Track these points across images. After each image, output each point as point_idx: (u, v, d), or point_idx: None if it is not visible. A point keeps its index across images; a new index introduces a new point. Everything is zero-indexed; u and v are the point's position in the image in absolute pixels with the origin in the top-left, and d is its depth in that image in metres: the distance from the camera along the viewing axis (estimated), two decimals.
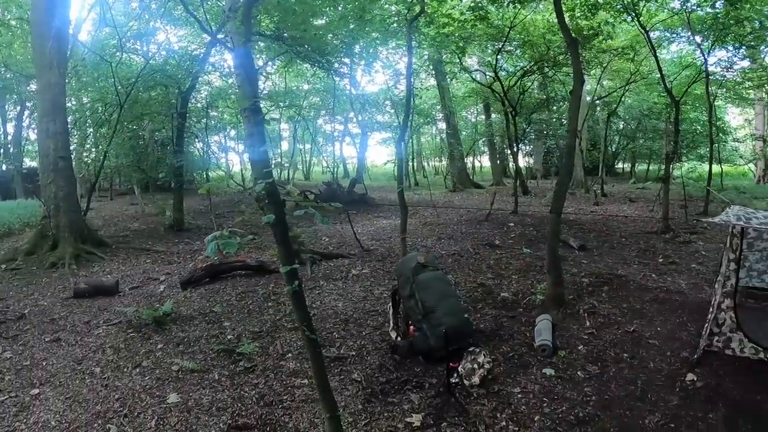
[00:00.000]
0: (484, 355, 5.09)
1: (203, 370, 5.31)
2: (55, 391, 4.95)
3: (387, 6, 13.84)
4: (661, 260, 9.54)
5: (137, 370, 5.37)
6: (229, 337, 6.18)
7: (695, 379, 4.94)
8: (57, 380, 5.17)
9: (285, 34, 13.40)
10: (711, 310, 5.50)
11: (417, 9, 10.53)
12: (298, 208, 3.31)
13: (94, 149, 18.86)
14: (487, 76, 19.32)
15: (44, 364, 5.57)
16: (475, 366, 4.94)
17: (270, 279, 8.35)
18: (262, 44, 15.56)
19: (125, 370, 5.37)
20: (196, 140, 22.59)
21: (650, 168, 32.11)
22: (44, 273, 9.43)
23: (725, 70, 18.57)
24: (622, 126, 29.48)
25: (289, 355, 5.58)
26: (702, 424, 4.29)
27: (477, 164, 40.17)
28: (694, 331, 6.04)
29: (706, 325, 5.44)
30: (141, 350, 5.85)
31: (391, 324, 6.00)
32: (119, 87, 12.98)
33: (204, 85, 19.58)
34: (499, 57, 16.59)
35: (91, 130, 19.00)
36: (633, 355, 5.51)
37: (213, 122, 23.42)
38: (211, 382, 5.06)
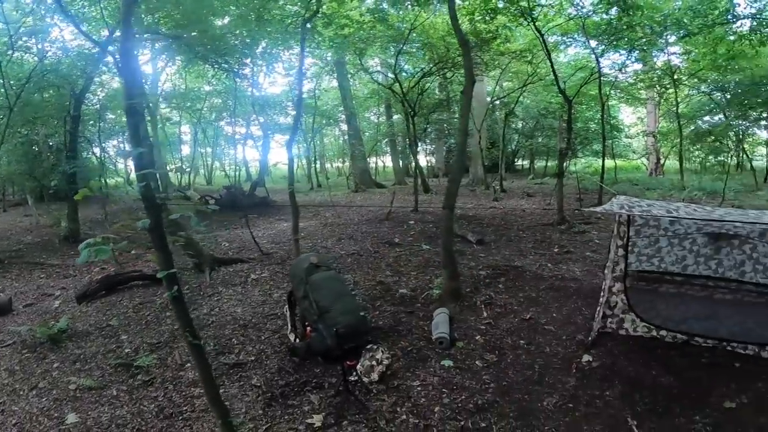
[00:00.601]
0: (382, 351, 5.19)
1: (101, 386, 5.15)
2: None
3: (288, 6, 13.73)
4: (556, 250, 9.98)
5: (34, 392, 5.15)
6: (126, 350, 5.99)
7: (591, 360, 5.22)
8: None
9: (185, 35, 13.05)
10: (602, 294, 5.85)
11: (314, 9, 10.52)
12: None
13: None
14: (388, 77, 19.58)
15: None
16: (374, 363, 5.02)
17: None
18: (159, 44, 15.09)
19: (21, 392, 5.15)
20: (92, 145, 21.55)
21: (548, 164, 33.50)
22: None
23: (618, 72, 19.77)
24: (520, 125, 30.59)
25: (188, 364, 5.47)
26: (600, 402, 4.53)
27: (380, 164, 40.51)
28: (589, 315, 6.37)
29: (598, 309, 5.78)
30: (37, 371, 5.60)
31: (289, 326, 5.99)
32: (9, 88, 12.22)
33: (100, 86, 18.67)
34: (399, 58, 16.83)
35: None
36: (530, 341, 5.75)
37: (110, 125, 22.43)
38: (110, 399, 4.91)
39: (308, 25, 10.95)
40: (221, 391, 4.79)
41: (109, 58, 14.96)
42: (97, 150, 22.38)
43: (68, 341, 6.30)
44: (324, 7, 12.55)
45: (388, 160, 37.45)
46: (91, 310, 7.47)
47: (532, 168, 34.95)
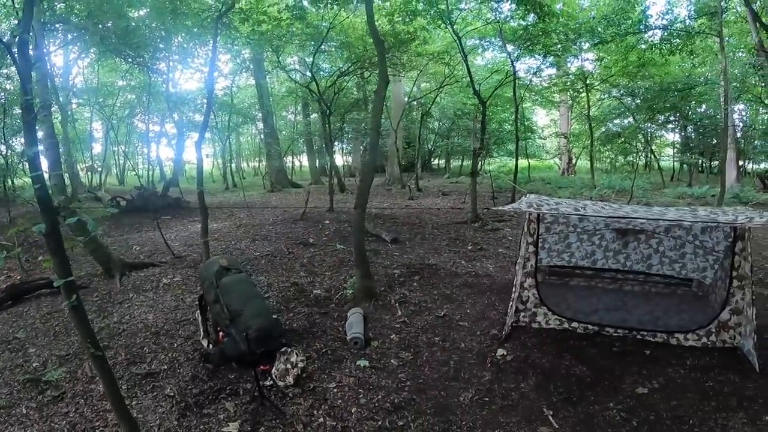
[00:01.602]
0: (296, 354, 5.21)
1: (10, 405, 4.92)
2: None
3: (204, 0, 13.46)
4: (470, 247, 10.25)
5: None
6: (34, 364, 5.73)
7: (505, 353, 5.42)
8: None
9: (99, 25, 12.49)
10: (514, 289, 6.07)
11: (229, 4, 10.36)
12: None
13: None
14: (305, 76, 19.53)
15: None
16: (289, 366, 5.03)
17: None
18: (71, 36, 14.44)
19: None
20: None
21: (464, 163, 34.23)
22: None
23: (533, 75, 20.61)
24: (437, 125, 31.17)
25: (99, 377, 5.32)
26: (515, 394, 4.71)
27: (297, 163, 40.45)
28: (503, 310, 6.58)
29: (511, 303, 5.99)
30: None
31: (201, 332, 5.89)
32: None
33: (7, 79, 17.64)
34: (317, 57, 16.82)
35: None
36: (444, 338, 5.91)
37: (17, 121, 21.22)
38: (20, 418, 4.71)
39: (224, 20, 10.78)
40: (134, 402, 4.73)
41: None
42: (2, 147, 21.14)
43: None
44: (242, 2, 12.39)
45: (304, 160, 37.26)
46: None
47: (448, 167, 35.66)
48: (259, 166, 39.35)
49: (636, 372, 5.04)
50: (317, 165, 29.69)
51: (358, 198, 7.45)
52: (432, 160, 36.48)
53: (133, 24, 12.88)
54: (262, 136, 29.82)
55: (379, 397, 4.75)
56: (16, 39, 3.20)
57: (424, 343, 5.83)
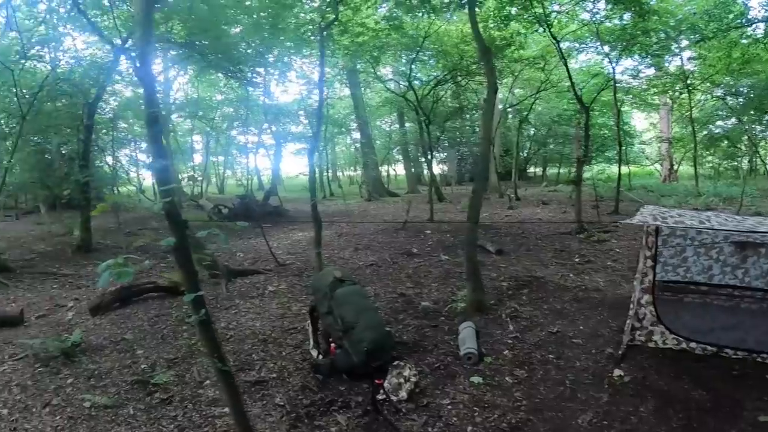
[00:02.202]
0: (409, 368, 5.01)
1: (117, 405, 4.94)
2: None
3: (302, 15, 13.67)
4: (577, 260, 9.83)
5: (47, 409, 4.93)
6: (142, 366, 5.78)
7: (622, 374, 5.06)
8: None
9: (197, 43, 12.97)
10: (631, 306, 5.72)
11: (330, 17, 10.40)
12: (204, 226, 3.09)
13: None
14: (401, 86, 19.47)
15: None
16: (401, 380, 4.85)
17: (183, 300, 7.89)
18: (173, 53, 15.05)
19: (34, 410, 4.93)
20: (105, 154, 21.55)
21: (561, 171, 33.34)
22: None
23: (632, 78, 19.61)
24: (533, 132, 30.44)
25: (207, 382, 5.28)
26: (634, 418, 4.37)
27: (392, 173, 40.49)
28: (616, 327, 6.23)
29: (627, 321, 5.65)
30: (50, 386, 5.38)
31: (311, 342, 5.81)
32: (23, 97, 12.17)
33: (112, 95, 18.69)
34: (413, 66, 16.75)
35: None
36: (558, 355, 5.60)
37: (122, 134, 22.43)
38: (126, 418, 4.70)
39: (325, 33, 10.85)
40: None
41: (123, 66, 15.04)
42: (109, 159, 22.40)
43: (82, 355, 6.09)
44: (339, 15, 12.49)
45: (399, 169, 37.37)
46: (105, 323, 7.28)
47: (545, 175, 34.79)
48: (354, 175, 39.80)
49: (757, 398, 4.60)
50: (413, 174, 29.56)
51: (471, 210, 7.27)
52: (527, 168, 35.69)
53: (232, 40, 13.18)
54: (356, 146, 30.13)
55: (495, 416, 4.48)
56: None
57: (538, 360, 5.54)
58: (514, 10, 13.52)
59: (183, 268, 2.93)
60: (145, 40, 3.08)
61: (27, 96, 12.50)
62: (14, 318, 7.48)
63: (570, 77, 14.40)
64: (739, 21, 15.36)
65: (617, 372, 5.12)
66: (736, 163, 26.20)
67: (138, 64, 3.14)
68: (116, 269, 2.69)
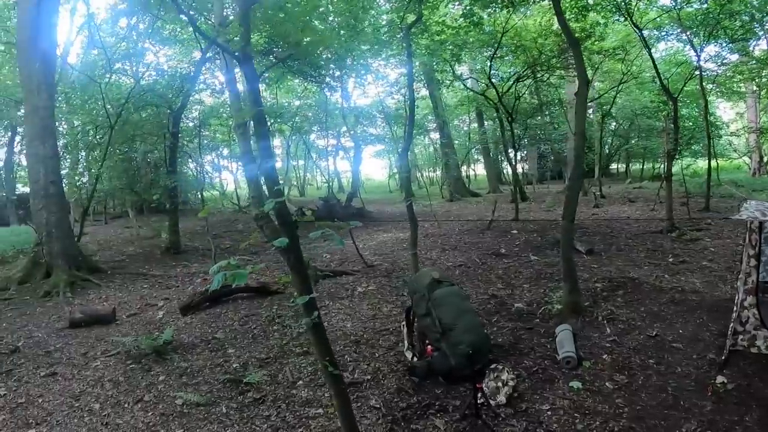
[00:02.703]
0: (507, 371, 4.88)
1: (209, 403, 5.01)
2: (53, 431, 4.66)
3: (378, 16, 13.72)
4: (671, 260, 9.40)
5: (139, 405, 5.06)
6: (234, 365, 5.86)
7: (725, 381, 4.83)
8: (54, 419, 4.87)
9: (275, 49, 13.18)
10: (734, 308, 5.40)
11: (411, 17, 10.34)
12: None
13: (86, 173, 18.52)
14: (480, 83, 19.16)
15: (40, 401, 5.25)
16: (500, 384, 4.73)
17: (273, 301, 8.03)
18: (253, 62, 15.42)
19: (126, 405, 5.07)
20: (189, 160, 22.30)
21: (645, 167, 32.11)
22: (38, 302, 9.08)
23: (718, 66, 18.58)
24: (614, 126, 29.41)
25: (300, 382, 5.30)
26: (739, 429, 4.18)
27: (471, 173, 40.09)
28: (716, 330, 5.96)
29: (730, 324, 5.36)
30: (142, 383, 5.53)
31: (406, 344, 5.74)
32: (109, 108, 12.73)
33: (195, 104, 19.32)
34: (491, 63, 16.50)
35: (83, 153, 18.69)
36: (659, 360, 5.37)
37: (205, 141, 23.12)
38: (219, 417, 4.76)
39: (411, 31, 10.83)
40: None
41: (204, 75, 15.49)
42: (192, 165, 23.15)
43: (173, 353, 6.25)
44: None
45: (479, 168, 36.93)
46: (196, 322, 7.46)
47: (628, 171, 33.63)
48: (435, 176, 39.73)
49: None
50: (494, 173, 29.21)
51: (566, 208, 7.02)
52: (610, 164, 34.60)
53: (312, 46, 13.30)
54: (435, 146, 29.97)
55: (597, 423, 4.32)
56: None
57: (638, 365, 5.29)
58: (591, 0, 13.08)
59: (294, 269, 2.89)
60: (245, 39, 3.06)
61: (113, 107, 13.03)
62: (106, 316, 7.80)
63: (655, 66, 13.82)
64: None
65: (720, 379, 4.87)
66: None
67: (231, 65, 3.10)
68: (230, 271, 2.67)
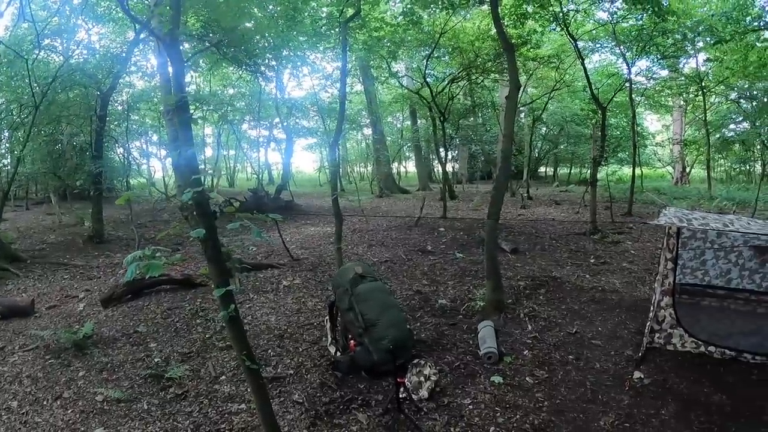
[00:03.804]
0: (429, 366, 4.96)
1: (130, 399, 4.89)
2: None
3: (318, 8, 13.59)
4: (593, 261, 9.73)
5: (58, 402, 4.89)
6: (156, 360, 5.70)
7: (642, 376, 5.04)
8: None
9: (211, 35, 12.89)
10: (651, 308, 5.67)
11: (351, 11, 10.30)
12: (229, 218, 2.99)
13: (8, 154, 17.59)
14: (415, 82, 19.27)
15: None
16: (422, 379, 4.79)
17: (197, 293, 7.84)
18: (187, 45, 14.98)
19: (45, 402, 4.89)
20: (116, 145, 21.47)
21: (572, 171, 33.10)
22: None
23: (648, 79, 19.40)
24: (545, 131, 30.21)
25: (223, 377, 5.22)
26: (655, 421, 4.35)
27: (402, 170, 40.33)
28: (634, 328, 6.22)
29: (647, 323, 5.60)
30: (61, 379, 5.34)
31: (329, 338, 5.74)
32: (35, 87, 12.10)
33: (125, 86, 18.62)
34: (427, 62, 16.65)
35: (6, 133, 17.75)
36: (578, 356, 5.56)
37: (134, 126, 22.35)
38: (140, 413, 4.65)
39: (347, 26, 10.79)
40: None
41: (136, 58, 15.00)
42: (119, 150, 22.34)
43: (94, 347, 6.05)
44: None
45: (410, 166, 37.18)
46: (117, 315, 7.22)
47: (556, 175, 34.60)
48: (365, 171, 39.73)
49: None
50: (424, 171, 29.43)
51: (491, 207, 7.17)
52: (538, 167, 35.49)
53: (248, 34, 13.08)
54: (367, 142, 29.93)
55: (517, 416, 4.45)
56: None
57: (558, 361, 5.47)
58: (530, 8, 13.38)
59: (212, 261, 2.83)
60: (174, 22, 2.98)
61: (40, 86, 12.43)
62: (25, 308, 7.48)
63: (587, 76, 14.23)
64: (756, 24, 15.14)
65: (637, 374, 5.09)
66: (748, 167, 25.88)
67: (160, 49, 3.02)
68: (145, 262, 2.59)
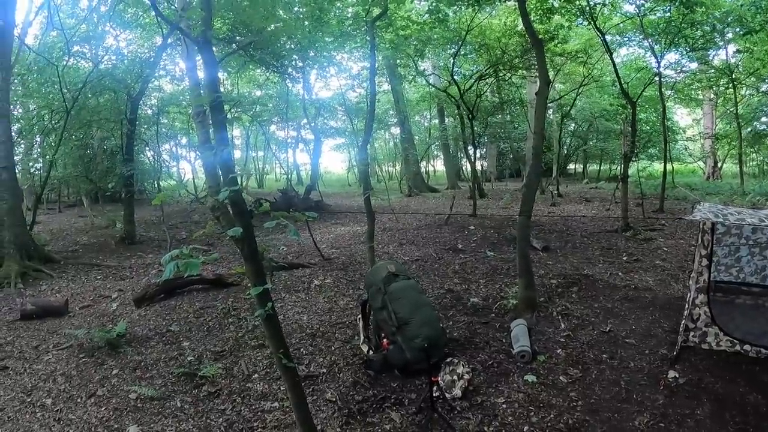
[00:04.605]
0: (462, 365, 4.91)
1: (164, 397, 4.93)
2: (3, 427, 4.53)
3: (344, 8, 13.63)
4: (625, 258, 9.58)
5: (92, 399, 4.95)
6: (189, 358, 5.76)
7: (677, 375, 4.95)
8: (5, 415, 4.74)
9: (237, 38, 13.00)
10: (686, 306, 5.55)
11: (377, 10, 10.30)
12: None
13: (40, 159, 17.94)
14: (442, 80, 19.17)
15: None
16: (455, 377, 4.76)
17: (228, 293, 7.91)
18: (215, 49, 15.14)
19: (79, 400, 4.95)
20: (147, 148, 21.78)
21: (602, 168, 32.70)
22: None
23: (677, 73, 19.05)
24: (573, 127, 29.88)
25: (256, 375, 5.25)
26: (690, 421, 4.27)
27: (430, 168, 40.22)
28: (668, 327, 6.10)
29: (682, 321, 5.50)
30: (95, 377, 5.41)
31: (362, 337, 5.72)
32: (66, 92, 12.33)
33: (154, 90, 18.88)
34: (454, 60, 16.58)
35: (38, 138, 18.09)
36: (612, 355, 5.47)
37: (164, 129, 22.62)
38: (174, 411, 4.69)
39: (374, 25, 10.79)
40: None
41: (164, 62, 15.17)
42: (149, 153, 22.65)
43: (127, 346, 6.12)
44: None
45: (438, 164, 37.06)
46: (150, 314, 7.32)
47: (585, 172, 34.22)
48: (394, 170, 39.75)
49: None
50: (453, 169, 29.32)
51: (523, 204, 7.09)
52: (567, 164, 35.13)
53: (275, 36, 13.15)
54: (395, 141, 29.87)
55: (551, 416, 4.39)
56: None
57: (592, 360, 5.39)
58: (557, 3, 13.24)
59: (249, 260, 2.83)
60: (206, 23, 2.99)
61: (71, 92, 12.65)
62: (59, 308, 7.60)
63: (616, 71, 14.03)
64: None
65: (672, 374, 5.00)
66: None
67: (191, 50, 3.02)
68: (183, 260, 2.60)
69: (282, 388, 4.83)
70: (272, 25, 13.02)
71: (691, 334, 5.45)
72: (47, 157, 15.59)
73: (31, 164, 17.70)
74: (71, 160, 17.25)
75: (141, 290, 8.03)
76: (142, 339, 6.40)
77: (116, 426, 4.47)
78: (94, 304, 8.06)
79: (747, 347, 5.25)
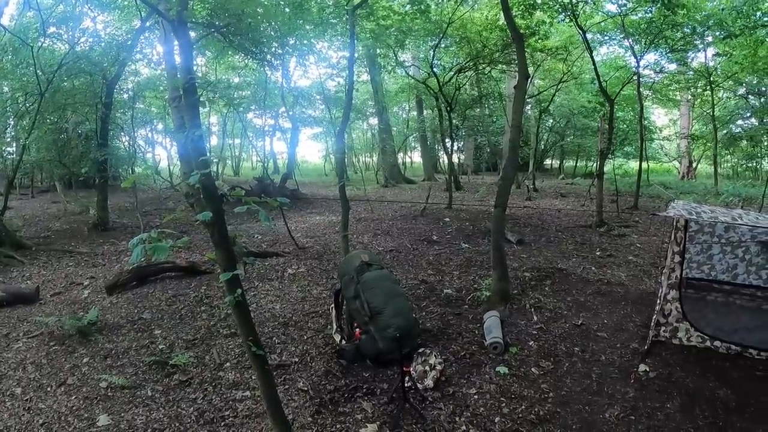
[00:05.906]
0: (435, 355, 4.92)
1: (134, 386, 4.87)
2: None
3: None
4: (598, 253, 9.71)
5: (62, 388, 4.88)
6: (160, 346, 5.70)
7: (647, 369, 5.02)
8: None
9: (217, 23, 12.83)
10: (657, 301, 5.64)
11: None
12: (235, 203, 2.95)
13: (14, 142, 17.56)
14: (422, 72, 19.15)
15: None
16: (427, 368, 4.76)
17: (201, 281, 7.86)
18: (193, 33, 14.91)
19: (49, 389, 4.88)
20: (122, 133, 21.44)
21: (578, 164, 32.99)
22: None
23: (656, 73, 19.26)
24: (551, 123, 30.09)
25: (228, 364, 5.21)
26: (660, 415, 4.33)
27: (408, 160, 40.27)
28: (640, 322, 6.20)
29: (653, 316, 5.59)
30: (65, 365, 5.33)
31: (335, 326, 5.72)
32: (41, 74, 12.06)
33: (131, 74, 18.57)
34: (435, 52, 16.58)
35: (11, 121, 17.70)
36: (583, 348, 5.54)
37: (139, 114, 22.31)
38: (144, 400, 4.63)
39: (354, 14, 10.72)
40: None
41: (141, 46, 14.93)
42: (125, 138, 22.33)
43: (98, 334, 6.04)
44: None
45: (416, 156, 37.09)
46: (122, 302, 7.23)
47: (562, 167, 34.50)
48: (371, 161, 39.71)
49: None
50: (430, 161, 29.36)
51: (499, 197, 7.12)
52: (544, 159, 35.37)
53: (255, 21, 12.99)
54: (373, 132, 29.80)
55: (523, 407, 4.43)
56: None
57: (563, 352, 5.45)
58: None
59: (219, 246, 2.79)
60: (182, 3, 2.93)
61: (45, 74, 12.39)
62: (30, 295, 7.48)
63: (596, 69, 14.15)
64: (767, 19, 15.02)
65: (643, 367, 5.07)
66: (755, 164, 25.73)
67: (166, 32, 2.96)
68: (150, 245, 2.56)
69: (254, 377, 4.79)
70: (252, 9, 12.88)
71: (663, 329, 5.54)
72: (20, 140, 15.27)
73: (3, 148, 17.33)
74: (45, 144, 16.87)
75: (113, 277, 7.92)
76: (113, 327, 6.32)
77: (86, 415, 4.41)
78: (65, 292, 7.95)
79: (717, 343, 5.35)
